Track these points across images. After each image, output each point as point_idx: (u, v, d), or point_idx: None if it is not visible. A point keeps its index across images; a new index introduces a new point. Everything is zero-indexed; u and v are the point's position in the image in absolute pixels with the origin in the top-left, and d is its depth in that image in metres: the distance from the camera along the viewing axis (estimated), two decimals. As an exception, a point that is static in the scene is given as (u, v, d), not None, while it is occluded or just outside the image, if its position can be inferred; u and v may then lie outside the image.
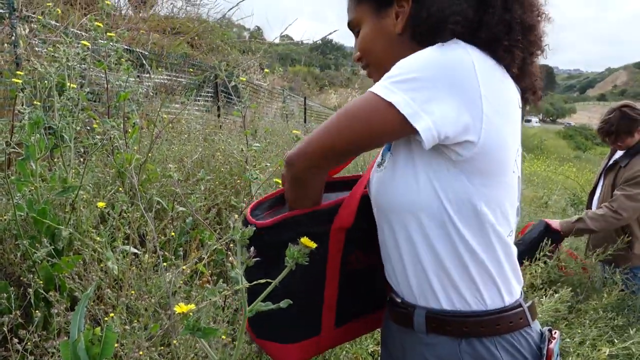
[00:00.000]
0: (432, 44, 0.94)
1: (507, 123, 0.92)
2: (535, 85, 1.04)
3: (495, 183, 0.93)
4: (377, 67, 1.06)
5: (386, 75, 0.90)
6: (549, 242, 2.79)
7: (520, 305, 0.97)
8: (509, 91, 0.95)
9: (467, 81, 0.86)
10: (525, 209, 5.13)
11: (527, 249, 2.80)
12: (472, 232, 0.93)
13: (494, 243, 0.94)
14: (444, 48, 0.90)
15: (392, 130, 0.89)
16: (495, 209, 0.94)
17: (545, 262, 2.70)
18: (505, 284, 0.96)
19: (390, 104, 0.86)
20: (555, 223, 2.97)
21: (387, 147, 1.03)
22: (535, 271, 2.56)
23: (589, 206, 3.38)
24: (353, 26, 1.09)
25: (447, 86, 0.85)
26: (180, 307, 0.86)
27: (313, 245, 0.92)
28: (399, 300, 1.03)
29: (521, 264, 2.75)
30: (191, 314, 0.86)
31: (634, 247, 2.95)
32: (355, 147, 0.94)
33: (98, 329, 0.86)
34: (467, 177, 0.91)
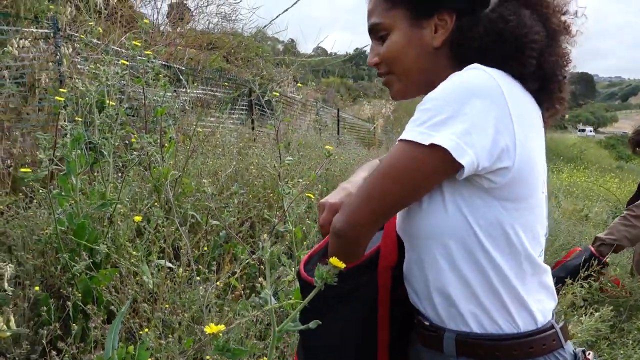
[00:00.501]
0: (474, 59, 0.93)
1: (535, 144, 0.90)
2: (554, 101, 1.01)
3: (527, 206, 0.91)
4: (402, 77, 1.03)
5: (416, 119, 0.86)
6: (596, 261, 2.70)
7: (552, 327, 0.95)
8: (532, 110, 0.94)
9: (499, 108, 0.84)
10: (564, 222, 4.98)
11: (569, 275, 2.71)
12: (504, 257, 0.91)
13: (526, 266, 0.93)
14: (467, 76, 0.87)
15: (439, 173, 0.87)
16: (526, 232, 0.92)
17: (588, 283, 2.61)
18: (538, 306, 0.94)
19: (433, 147, 0.83)
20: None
21: None
22: (579, 292, 2.48)
23: None
24: (379, 30, 1.02)
25: (481, 116, 0.83)
26: (211, 328, 0.87)
27: (342, 265, 0.92)
28: (427, 323, 1.00)
29: (559, 288, 2.67)
30: (221, 334, 0.87)
31: None
32: (403, 203, 0.92)
33: (131, 347, 0.88)
34: (499, 202, 0.89)
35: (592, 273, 2.66)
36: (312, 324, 0.95)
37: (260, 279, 0.94)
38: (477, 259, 0.91)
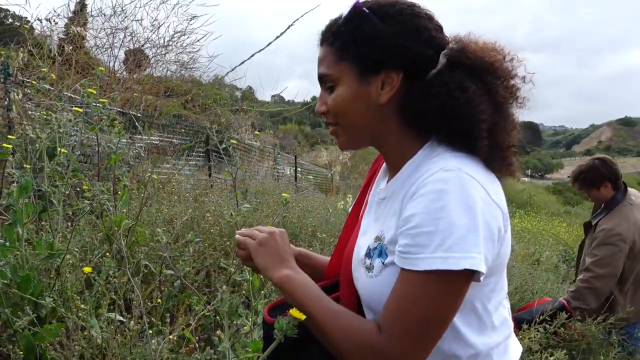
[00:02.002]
0: (423, 127, 0.96)
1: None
2: (504, 167, 1.02)
3: (496, 280, 0.96)
4: (348, 130, 1.02)
5: (424, 244, 0.85)
6: (564, 313, 2.81)
7: None
8: (498, 184, 0.97)
9: (491, 210, 0.88)
10: (517, 267, 5.09)
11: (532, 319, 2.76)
12: (472, 331, 0.95)
13: (495, 333, 0.98)
14: (457, 187, 0.86)
15: (466, 288, 0.88)
16: (493, 302, 0.97)
17: (544, 327, 2.67)
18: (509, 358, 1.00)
19: (462, 270, 0.84)
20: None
21: (378, 252, 0.98)
22: (535, 336, 2.52)
23: (578, 262, 3.39)
24: (327, 80, 1.02)
25: (484, 226, 0.86)
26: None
27: (302, 316, 0.91)
28: None
29: (520, 328, 2.71)
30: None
31: (615, 308, 2.93)
32: (445, 329, 0.90)
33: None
34: (473, 285, 0.91)
35: (547, 317, 2.72)
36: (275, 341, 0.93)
37: (218, 332, 0.91)
38: (448, 335, 0.92)
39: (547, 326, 2.76)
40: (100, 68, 2.90)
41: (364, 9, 0.97)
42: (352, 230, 1.15)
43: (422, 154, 0.97)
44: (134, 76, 7.54)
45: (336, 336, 0.91)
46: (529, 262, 6.98)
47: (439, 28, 0.99)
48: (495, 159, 0.96)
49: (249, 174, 6.48)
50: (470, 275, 0.86)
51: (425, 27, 0.96)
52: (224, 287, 1.02)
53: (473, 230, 0.83)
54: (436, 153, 0.95)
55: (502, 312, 1.01)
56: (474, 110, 0.92)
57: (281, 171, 10.10)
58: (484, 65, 0.95)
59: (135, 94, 5.95)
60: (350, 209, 1.24)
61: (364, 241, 1.05)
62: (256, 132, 3.15)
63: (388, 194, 1.02)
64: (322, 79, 1.03)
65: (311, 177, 12.14)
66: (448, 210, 0.84)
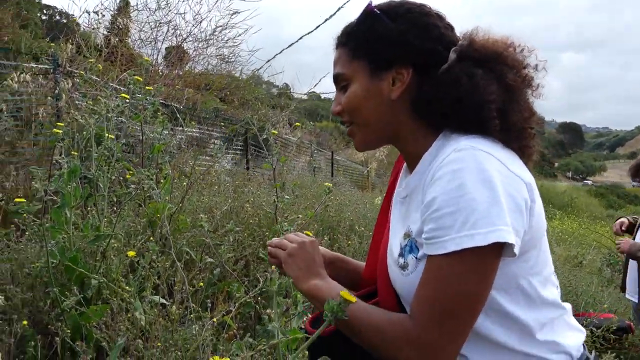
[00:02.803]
0: (436, 119, 0.96)
1: (537, 193, 0.93)
2: (525, 153, 1.01)
3: (534, 254, 0.94)
4: (362, 127, 1.05)
5: (449, 226, 0.85)
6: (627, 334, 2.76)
7: (587, 358, 0.98)
8: (520, 161, 0.96)
9: (513, 183, 0.87)
10: (559, 268, 4.95)
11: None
12: (523, 309, 0.93)
13: (547, 312, 0.95)
14: (472, 163, 0.86)
15: (497, 263, 0.87)
16: (539, 278, 0.95)
17: (591, 331, 2.62)
18: (569, 342, 0.96)
19: (490, 245, 0.82)
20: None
21: (409, 249, 0.98)
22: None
23: (625, 267, 3.28)
24: (341, 80, 1.06)
25: (508, 199, 0.85)
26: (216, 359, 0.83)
27: (353, 299, 0.89)
28: None
29: None
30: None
31: None
32: (480, 308, 0.89)
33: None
34: (512, 261, 0.90)
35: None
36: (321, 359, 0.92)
37: (268, 310, 0.91)
38: (498, 318, 0.92)
39: (594, 329, 2.69)
40: (145, 58, 2.95)
41: (376, 10, 1.01)
42: (382, 232, 1.16)
43: (436, 144, 0.98)
44: (175, 71, 7.67)
45: (370, 333, 0.92)
46: (571, 264, 6.78)
47: (449, 27, 1.02)
48: (512, 140, 0.96)
49: (286, 168, 6.51)
50: (500, 249, 0.84)
51: (434, 25, 0.99)
52: (273, 267, 1.01)
53: (495, 203, 0.82)
54: (450, 139, 0.96)
55: (551, 289, 0.98)
56: (482, 91, 0.92)
57: (317, 166, 10.14)
58: (492, 55, 0.97)
59: (177, 87, 6.06)
60: (379, 212, 1.24)
61: (394, 242, 1.05)
62: (297, 124, 3.15)
63: (409, 190, 1.03)
64: (336, 79, 1.07)
65: (341, 171, 12.12)
66: (466, 187, 0.83)
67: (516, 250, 0.85)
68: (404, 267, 0.98)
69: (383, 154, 15.42)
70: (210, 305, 2.25)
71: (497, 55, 0.97)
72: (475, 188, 0.83)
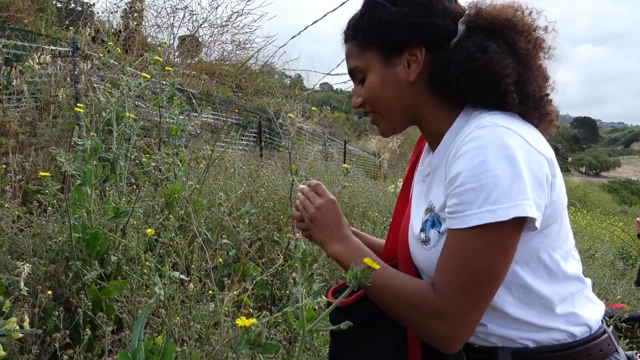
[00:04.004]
0: (455, 96, 0.96)
1: (557, 168, 0.93)
2: (545, 119, 1.02)
3: (555, 228, 0.94)
4: (386, 115, 1.05)
5: (470, 201, 0.86)
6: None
7: (605, 332, 0.97)
8: (542, 136, 0.96)
9: (535, 158, 0.87)
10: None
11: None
12: (544, 283, 0.94)
13: (568, 286, 0.96)
14: (495, 139, 0.86)
15: (517, 238, 0.88)
16: (560, 252, 0.95)
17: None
18: (589, 314, 0.97)
19: (511, 220, 0.83)
20: None
21: (431, 224, 0.99)
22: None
23: None
24: (357, 73, 1.06)
25: (529, 174, 0.85)
26: (243, 321, 0.85)
27: (376, 266, 0.90)
28: (476, 345, 1.00)
29: None
30: (253, 327, 0.84)
31: None
32: (500, 281, 0.89)
33: (159, 338, 0.85)
34: (533, 235, 0.91)
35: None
36: (343, 325, 0.94)
37: (293, 274, 0.93)
38: (519, 292, 0.93)
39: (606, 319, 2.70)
40: (164, 41, 2.97)
41: None
42: (403, 211, 1.16)
43: (458, 121, 0.98)
44: (188, 61, 7.70)
45: (393, 297, 0.94)
46: (583, 257, 6.74)
47: None
48: (531, 111, 0.96)
49: (299, 156, 6.53)
50: (521, 224, 0.86)
51: (437, 0, 0.99)
52: (297, 234, 1.03)
53: (517, 178, 0.83)
54: (472, 117, 0.96)
55: (572, 263, 0.98)
56: (496, 67, 0.92)
57: (330, 155, 10.15)
58: (502, 22, 0.96)
59: (193, 72, 6.09)
60: (399, 192, 1.25)
61: (416, 219, 1.06)
62: (313, 109, 3.15)
63: (432, 168, 1.03)
64: (352, 73, 1.07)
65: (354, 160, 12.12)
66: (489, 163, 0.84)
67: (537, 224, 0.85)
68: (425, 241, 0.99)
69: (395, 144, 15.37)
70: (227, 284, 2.29)
71: (507, 22, 0.96)
72: (497, 164, 0.84)
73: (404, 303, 0.93)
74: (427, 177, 1.05)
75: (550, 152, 0.92)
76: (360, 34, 1.03)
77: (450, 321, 0.88)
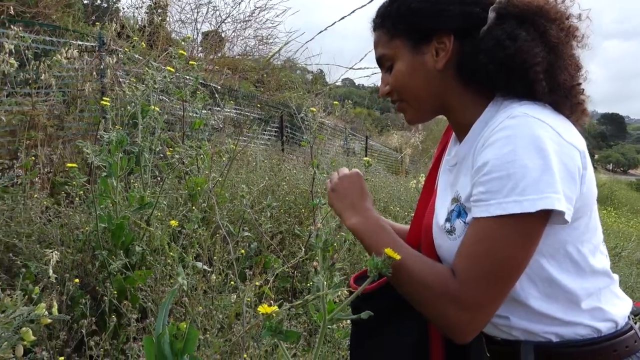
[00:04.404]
0: (484, 84, 0.95)
1: (588, 159, 0.91)
2: (576, 109, 0.99)
3: (584, 222, 0.92)
4: (413, 103, 1.04)
5: (496, 190, 0.84)
6: None
7: (632, 328, 0.95)
8: (573, 127, 0.94)
9: (566, 150, 0.86)
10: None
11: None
12: (570, 277, 0.92)
13: (594, 278, 0.93)
14: (526, 130, 0.85)
15: (542, 230, 0.86)
16: (588, 246, 0.93)
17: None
18: (615, 310, 0.95)
19: (538, 212, 0.82)
20: None
21: (456, 214, 0.97)
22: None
23: None
24: (385, 61, 1.05)
25: (559, 166, 0.84)
26: (264, 308, 0.86)
27: (397, 256, 0.90)
28: (498, 338, 0.98)
29: None
30: (274, 315, 0.85)
31: None
32: (520, 272, 0.88)
33: (183, 323, 0.87)
34: (561, 228, 0.89)
35: None
36: (363, 315, 0.94)
37: (314, 262, 0.93)
38: (545, 286, 0.91)
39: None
40: (187, 36, 3.00)
41: None
42: (427, 202, 1.15)
43: (488, 111, 0.96)
44: (211, 56, 7.76)
45: (412, 279, 0.92)
46: (609, 255, 6.60)
47: None
48: (562, 100, 0.94)
49: (321, 150, 6.54)
50: (547, 217, 0.84)
51: None
52: (319, 224, 1.04)
53: (546, 170, 0.82)
54: (503, 107, 0.94)
55: (600, 257, 0.96)
56: (526, 55, 0.90)
57: (352, 149, 10.13)
58: (533, 10, 0.93)
59: (216, 67, 6.14)
60: (424, 183, 1.23)
61: (441, 209, 1.04)
62: (335, 102, 3.16)
63: (459, 158, 1.01)
64: (379, 61, 1.06)
65: (375, 155, 12.06)
66: (518, 153, 0.83)
67: (568, 217, 0.84)
68: (450, 231, 0.98)
69: (418, 139, 15.26)
70: (249, 276, 2.32)
71: (538, 9, 0.93)
72: (527, 155, 0.82)
73: (421, 285, 0.91)
74: (454, 167, 1.04)
75: (582, 144, 0.90)
76: (389, 22, 1.02)
77: (467, 309, 0.86)
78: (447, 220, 0.99)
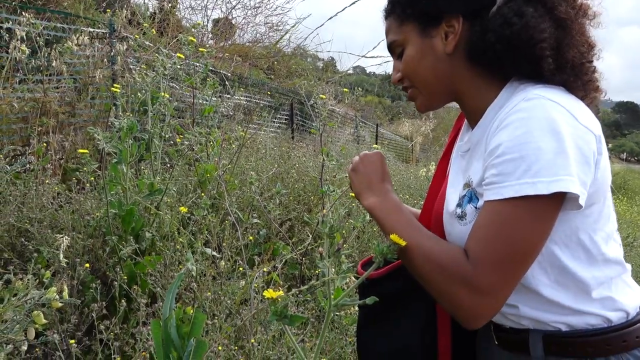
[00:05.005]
0: (493, 65, 0.93)
1: (603, 143, 0.89)
2: (588, 88, 0.97)
3: (599, 209, 0.91)
4: (423, 88, 1.03)
5: (509, 172, 0.83)
6: None
7: None
8: (587, 109, 0.92)
9: (580, 133, 0.84)
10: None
11: None
12: (582, 265, 0.90)
13: (607, 267, 0.92)
14: (540, 112, 0.84)
15: (556, 214, 0.85)
16: (600, 233, 0.91)
17: None
18: (626, 300, 0.93)
19: (552, 194, 0.81)
20: None
21: (468, 199, 0.96)
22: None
23: None
24: (396, 47, 1.04)
25: (574, 149, 0.82)
26: (270, 293, 0.86)
27: (403, 242, 0.90)
28: (507, 326, 0.97)
29: None
30: (280, 299, 0.86)
31: None
32: (534, 257, 0.87)
33: (189, 307, 0.88)
34: (574, 215, 0.87)
35: None
36: (368, 300, 0.94)
37: (320, 249, 0.93)
38: (556, 273, 0.90)
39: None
40: (197, 22, 3.00)
41: None
42: (438, 188, 1.13)
43: (502, 95, 0.95)
44: (221, 44, 7.75)
45: (424, 259, 0.91)
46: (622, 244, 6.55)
47: None
48: (572, 79, 0.92)
49: (331, 138, 6.53)
50: (561, 200, 0.83)
51: None
52: (325, 210, 1.04)
53: (561, 153, 0.80)
54: (518, 90, 0.92)
55: (614, 245, 0.94)
56: (532, 31, 0.89)
57: (362, 137, 10.11)
58: None
59: (227, 54, 6.14)
60: (435, 170, 1.21)
61: (452, 195, 1.03)
62: (345, 89, 3.14)
63: (472, 144, 1.00)
64: (390, 48, 1.06)
65: (386, 143, 12.02)
66: (533, 135, 0.81)
67: (582, 201, 0.82)
68: (461, 217, 0.96)
69: (428, 127, 15.17)
70: (257, 262, 2.33)
71: None
72: (542, 137, 0.81)
73: (434, 266, 0.89)
74: (467, 153, 1.03)
75: (597, 129, 0.88)
76: (399, 7, 1.02)
77: (479, 292, 0.85)
78: (458, 205, 0.98)
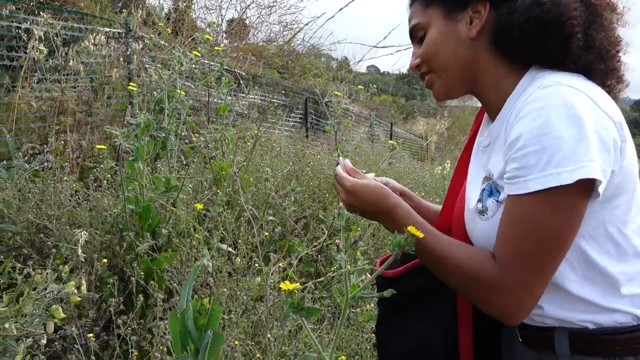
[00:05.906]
0: (519, 48, 0.91)
1: (627, 132, 0.87)
2: (612, 77, 0.96)
3: (625, 200, 0.88)
4: (442, 73, 1.00)
5: (532, 165, 0.81)
6: None
7: None
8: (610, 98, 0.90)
9: (603, 121, 0.82)
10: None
11: None
12: (611, 259, 0.87)
13: (637, 261, 0.89)
14: (559, 99, 0.82)
15: (583, 203, 0.82)
16: (632, 227, 0.88)
17: None
18: None
19: (577, 182, 0.78)
20: None
21: (488, 193, 0.94)
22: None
23: None
24: (417, 30, 1.02)
25: (595, 136, 0.80)
26: (286, 285, 0.86)
27: (420, 234, 0.89)
28: (531, 324, 0.95)
29: None
30: (297, 291, 0.86)
31: None
32: (565, 250, 0.85)
33: (206, 299, 0.88)
34: (600, 206, 0.85)
35: None
36: (386, 293, 0.93)
37: (337, 240, 0.93)
38: (583, 268, 0.87)
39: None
40: (212, 21, 3.01)
41: None
42: (458, 184, 1.12)
43: (521, 84, 0.93)
44: (235, 44, 7.77)
45: (447, 267, 0.90)
46: None
47: None
48: (597, 63, 0.90)
49: (345, 137, 6.52)
50: (587, 188, 0.80)
51: None
52: (341, 204, 1.03)
53: (582, 139, 0.78)
54: (536, 78, 0.90)
55: None
56: (563, 9, 0.87)
57: (376, 136, 10.09)
58: None
59: (241, 53, 6.16)
60: (455, 168, 1.19)
61: (473, 190, 1.01)
62: (359, 87, 3.13)
63: (492, 138, 0.98)
64: (412, 32, 1.04)
65: (400, 142, 11.97)
66: (552, 124, 0.79)
67: (601, 189, 0.80)
68: (482, 211, 0.95)
69: (443, 126, 15.07)
70: (273, 259, 2.33)
71: None
72: (561, 125, 0.79)
73: (458, 274, 0.88)
74: (487, 148, 1.00)
75: (618, 115, 0.86)
76: None
77: (511, 293, 0.84)
78: (479, 200, 0.96)
